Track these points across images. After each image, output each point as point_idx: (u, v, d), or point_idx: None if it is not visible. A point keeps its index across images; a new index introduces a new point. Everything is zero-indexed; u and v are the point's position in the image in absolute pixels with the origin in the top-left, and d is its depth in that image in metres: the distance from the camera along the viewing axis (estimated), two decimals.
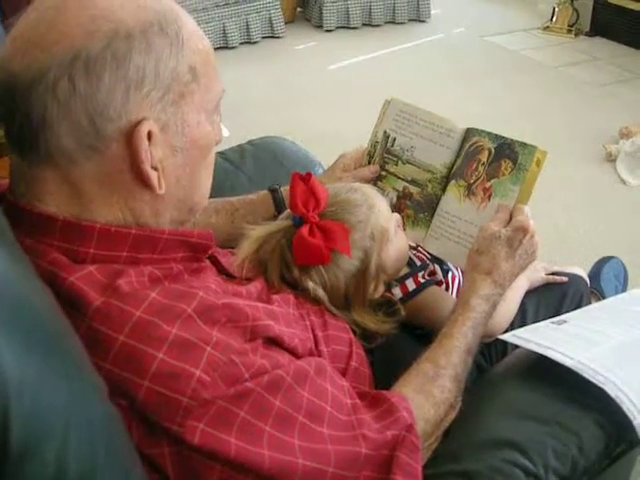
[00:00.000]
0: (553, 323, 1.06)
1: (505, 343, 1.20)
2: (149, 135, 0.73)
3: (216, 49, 4.71)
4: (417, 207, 1.25)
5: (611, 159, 2.99)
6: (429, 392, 0.93)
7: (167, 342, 0.69)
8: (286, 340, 0.81)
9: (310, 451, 0.75)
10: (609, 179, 2.89)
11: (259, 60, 4.39)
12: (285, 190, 1.23)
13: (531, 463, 0.84)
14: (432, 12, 5.10)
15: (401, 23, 5.02)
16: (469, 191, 1.18)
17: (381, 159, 1.30)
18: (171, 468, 0.70)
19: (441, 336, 1.01)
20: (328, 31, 4.87)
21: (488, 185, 1.15)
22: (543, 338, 0.98)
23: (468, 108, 3.42)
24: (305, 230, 1.01)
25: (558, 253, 2.33)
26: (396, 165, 1.28)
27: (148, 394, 0.68)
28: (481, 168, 1.17)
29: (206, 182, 0.87)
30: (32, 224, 0.75)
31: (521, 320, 1.26)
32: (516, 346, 1.02)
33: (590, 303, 1.37)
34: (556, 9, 4.78)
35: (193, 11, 4.57)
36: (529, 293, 1.30)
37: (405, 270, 1.20)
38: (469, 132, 1.22)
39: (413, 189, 1.26)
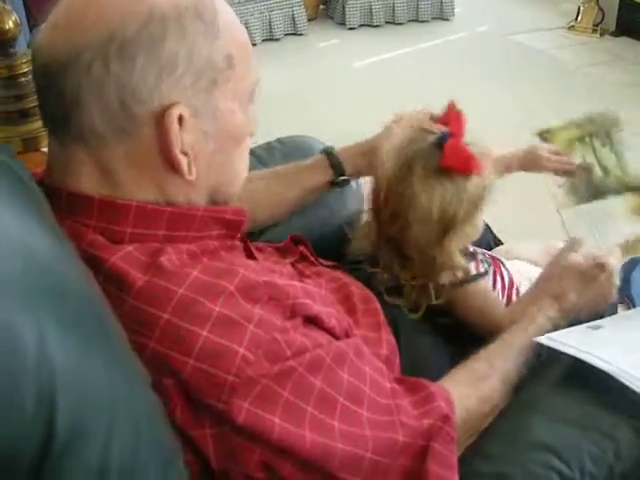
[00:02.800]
0: (589, 328, 1.05)
1: None
2: (180, 119, 0.74)
3: None
4: (587, 184, 1.28)
5: None
6: (478, 386, 0.95)
7: (211, 320, 0.70)
8: (325, 319, 0.80)
9: (350, 435, 0.75)
10: None
11: (281, 57, 4.38)
12: (340, 151, 1.23)
13: (567, 467, 0.83)
14: (456, 10, 5.07)
15: (425, 21, 4.99)
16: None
17: (597, 129, 1.31)
18: (212, 450, 0.70)
19: (501, 341, 1.02)
20: (351, 29, 4.85)
21: None
22: (579, 342, 0.97)
23: (491, 106, 3.40)
24: (460, 138, 1.06)
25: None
26: (603, 147, 1.29)
27: (193, 372, 0.68)
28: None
29: (240, 172, 0.87)
30: (70, 205, 0.76)
31: None
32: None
33: (615, 308, 1.35)
34: (581, 8, 4.73)
35: None
36: None
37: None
38: None
39: (598, 171, 1.29)
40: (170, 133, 0.73)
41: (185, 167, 0.76)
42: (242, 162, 0.87)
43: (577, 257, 1.09)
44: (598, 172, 1.29)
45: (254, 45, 4.64)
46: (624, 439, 0.86)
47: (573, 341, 0.98)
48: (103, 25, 0.71)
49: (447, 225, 1.09)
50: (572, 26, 4.78)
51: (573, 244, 1.14)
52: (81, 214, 0.76)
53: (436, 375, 0.97)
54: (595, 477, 0.84)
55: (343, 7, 4.88)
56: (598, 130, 1.31)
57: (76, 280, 0.62)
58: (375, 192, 1.17)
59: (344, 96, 3.78)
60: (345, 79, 4.06)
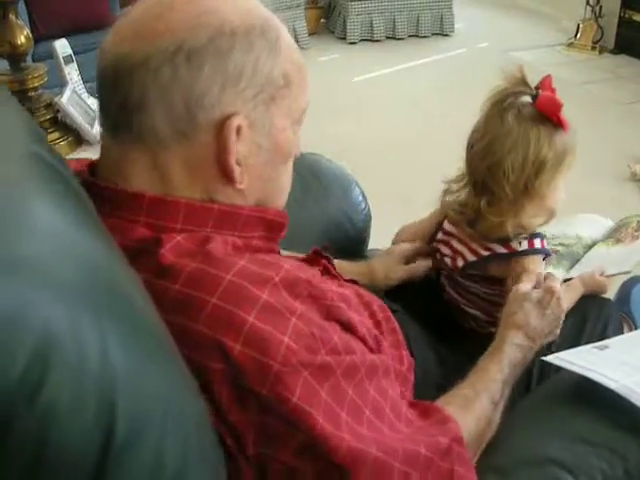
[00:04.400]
0: (595, 348, 1.07)
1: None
2: (238, 130, 0.76)
3: None
4: (559, 258, 1.44)
5: (636, 179, 2.98)
6: (469, 408, 0.96)
7: (257, 306, 0.71)
8: (358, 328, 0.81)
9: (380, 442, 0.75)
10: (633, 198, 2.88)
11: None
12: (338, 265, 1.18)
13: None
14: (456, 26, 5.11)
15: (425, 37, 5.03)
16: (617, 241, 1.45)
17: None
18: (252, 437, 0.71)
19: (477, 370, 1.04)
20: (352, 43, 4.89)
21: (636, 233, 1.45)
22: (586, 361, 0.98)
23: None
24: (554, 93, 1.19)
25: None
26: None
27: (241, 357, 0.69)
28: (630, 229, 1.46)
29: (285, 188, 0.89)
30: (117, 202, 0.78)
31: None
32: (558, 368, 1.03)
33: (620, 328, 1.36)
34: (580, 26, 4.78)
35: None
36: None
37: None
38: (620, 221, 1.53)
39: (560, 248, 1.48)
40: (228, 142, 0.76)
41: (237, 176, 0.79)
42: (288, 179, 0.89)
43: (526, 288, 1.16)
44: (560, 248, 1.46)
45: None
46: (633, 456, 0.88)
47: (581, 360, 0.99)
48: (173, 34, 0.74)
49: (538, 167, 1.18)
50: (571, 43, 4.82)
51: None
52: (129, 212, 0.77)
53: (435, 392, 0.99)
54: None
55: (344, 22, 4.92)
56: None
57: (129, 284, 0.63)
58: (467, 150, 1.27)
59: (345, 110, 3.80)
60: (346, 93, 4.08)
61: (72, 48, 2.26)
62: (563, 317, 1.17)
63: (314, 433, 0.70)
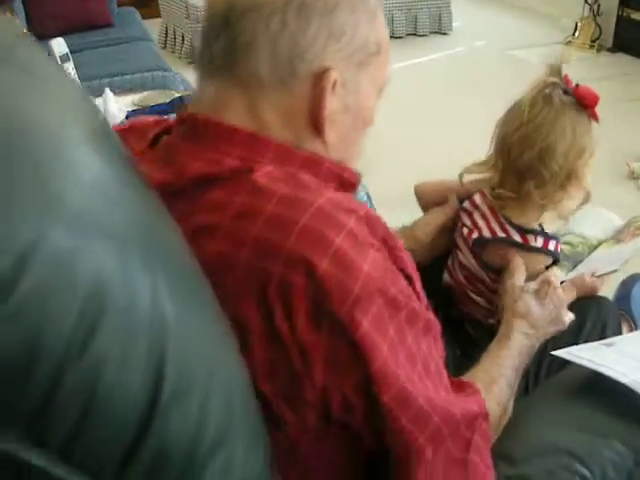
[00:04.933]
0: (603, 345, 1.10)
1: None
2: (333, 84, 0.79)
3: None
4: (563, 257, 1.43)
5: (634, 177, 2.98)
6: (490, 390, 0.98)
7: (344, 232, 0.73)
8: (416, 284, 0.83)
9: (426, 394, 0.78)
10: (631, 197, 2.88)
11: None
12: None
13: (589, 471, 0.86)
14: (454, 24, 5.11)
15: (423, 35, 5.04)
16: (618, 241, 1.48)
17: None
18: (321, 362, 0.72)
19: (488, 356, 1.07)
20: None
21: (637, 231, 1.48)
22: (596, 356, 1.01)
23: (490, 121, 3.41)
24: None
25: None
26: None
27: (325, 275, 0.70)
28: (632, 228, 1.50)
29: (358, 155, 0.92)
30: (212, 135, 0.81)
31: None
32: (557, 369, 1.04)
33: (619, 327, 1.37)
34: (578, 24, 4.78)
35: None
36: None
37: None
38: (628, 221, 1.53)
39: (565, 247, 1.48)
40: (323, 93, 0.79)
41: (327, 128, 0.82)
42: (361, 148, 0.92)
43: (519, 282, 1.22)
44: (565, 247, 1.47)
45: None
46: None
47: (590, 355, 1.02)
48: None
49: (580, 152, 1.24)
50: (569, 42, 4.82)
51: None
52: (223, 142, 0.80)
53: None
54: None
55: None
56: None
57: (175, 238, 0.63)
58: (501, 138, 1.30)
59: None
60: None
61: (69, 47, 2.25)
62: (565, 306, 1.21)
63: (375, 366, 0.73)
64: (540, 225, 1.30)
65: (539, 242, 1.28)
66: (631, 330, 1.60)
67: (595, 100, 1.25)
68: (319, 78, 0.79)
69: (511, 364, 1.06)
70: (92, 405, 0.46)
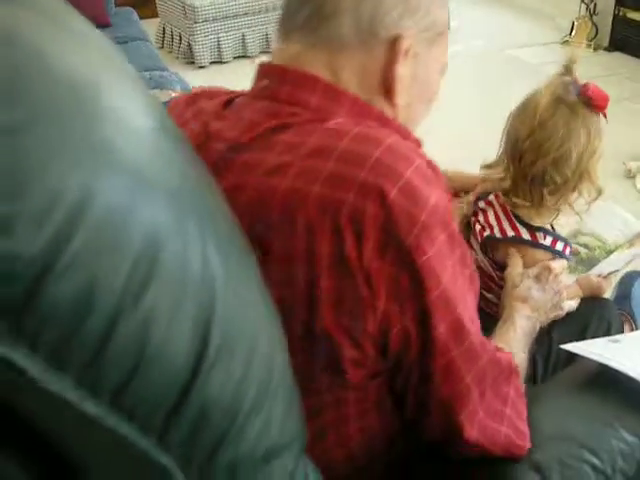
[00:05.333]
0: (609, 341, 1.13)
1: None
2: (406, 51, 0.86)
3: (235, 58, 4.76)
4: (579, 261, 1.46)
5: (631, 176, 2.99)
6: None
7: (413, 166, 0.77)
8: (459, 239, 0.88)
9: (476, 334, 0.84)
10: (629, 196, 2.89)
11: None
12: None
13: (599, 461, 0.88)
14: (451, 24, 5.09)
15: None
16: (631, 245, 1.48)
17: None
18: (385, 289, 0.76)
19: (494, 335, 1.10)
20: None
21: None
22: (604, 351, 1.03)
23: (485, 119, 3.42)
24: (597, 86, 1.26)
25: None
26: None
27: (394, 203, 0.74)
28: None
29: (416, 126, 0.97)
30: (293, 80, 0.86)
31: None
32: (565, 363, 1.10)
33: (622, 328, 1.38)
34: (575, 23, 4.79)
35: (213, 20, 4.61)
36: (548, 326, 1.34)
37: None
38: None
39: (582, 250, 1.49)
40: (397, 57, 0.86)
41: (397, 90, 0.88)
42: (422, 119, 0.98)
43: (519, 268, 1.26)
44: (582, 250, 1.48)
45: (251, 57, 4.68)
46: None
47: (598, 349, 1.04)
48: None
49: (591, 154, 1.25)
50: (566, 41, 4.83)
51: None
52: (304, 89, 0.86)
53: None
54: (625, 472, 0.89)
55: None
56: None
57: (219, 199, 0.64)
58: (513, 142, 1.31)
59: None
60: None
61: None
62: (564, 292, 1.25)
63: (434, 294, 0.78)
64: (552, 226, 1.32)
65: (547, 240, 1.30)
66: (632, 330, 1.61)
67: (606, 100, 1.26)
68: (394, 44, 0.85)
69: (517, 346, 1.09)
70: (142, 358, 0.47)
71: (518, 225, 1.31)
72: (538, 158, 1.25)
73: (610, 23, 4.69)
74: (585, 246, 1.49)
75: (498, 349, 0.92)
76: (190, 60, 4.74)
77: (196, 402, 0.51)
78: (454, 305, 0.79)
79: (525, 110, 1.29)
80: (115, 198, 0.46)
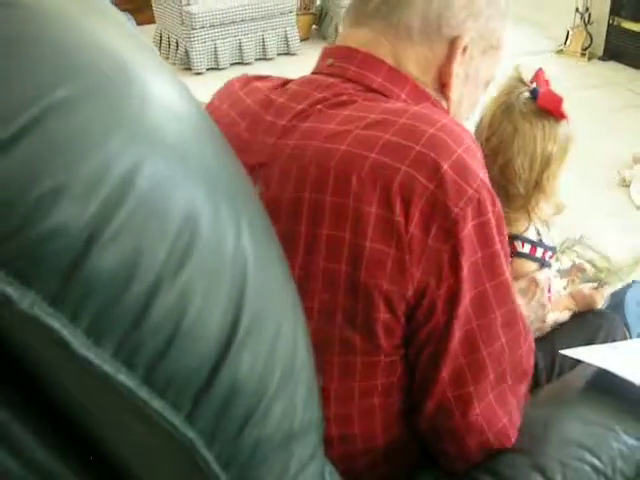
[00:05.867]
0: (609, 347, 1.16)
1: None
2: (464, 49, 0.92)
3: (232, 65, 4.77)
4: (584, 279, 1.46)
5: (625, 184, 3.01)
6: None
7: (463, 146, 0.81)
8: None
9: (506, 315, 0.86)
10: (623, 204, 2.91)
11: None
12: None
13: (600, 462, 0.89)
14: None
15: None
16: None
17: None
18: (425, 259, 0.79)
19: None
20: None
21: None
22: (602, 355, 1.06)
23: None
24: (550, 89, 1.26)
25: None
26: (577, 246, 1.49)
27: (447, 173, 0.78)
28: None
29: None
30: (361, 60, 0.91)
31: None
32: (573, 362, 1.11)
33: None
34: (570, 33, 4.82)
35: (210, 27, 4.62)
36: (554, 338, 1.35)
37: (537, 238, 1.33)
38: None
39: (588, 266, 1.50)
40: (455, 53, 0.91)
41: (449, 83, 0.93)
42: (462, 118, 1.01)
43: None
44: (588, 267, 1.49)
45: (248, 64, 4.70)
46: None
47: (597, 354, 1.07)
48: None
49: (546, 162, 1.24)
50: (561, 50, 4.86)
51: None
52: (370, 69, 0.91)
53: None
54: (625, 473, 0.90)
55: (336, 28, 4.94)
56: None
57: (249, 185, 0.65)
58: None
59: None
60: None
61: None
62: (549, 306, 1.25)
63: (464, 272, 0.80)
64: (538, 231, 1.31)
65: (526, 248, 1.29)
66: (626, 339, 1.61)
67: (558, 102, 1.24)
68: (454, 42, 0.91)
69: None
70: (178, 331, 0.48)
71: None
72: (490, 166, 1.23)
73: (605, 32, 4.73)
74: (590, 262, 1.50)
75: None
76: (187, 66, 4.75)
77: (226, 380, 0.52)
78: (483, 289, 0.82)
79: (480, 120, 1.31)
80: (160, 172, 0.48)
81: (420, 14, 0.90)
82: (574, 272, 1.46)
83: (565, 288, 1.41)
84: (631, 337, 1.64)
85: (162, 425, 0.50)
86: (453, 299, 0.81)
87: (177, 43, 4.86)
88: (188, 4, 4.59)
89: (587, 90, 4.22)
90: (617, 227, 2.73)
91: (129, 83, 0.51)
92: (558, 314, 1.33)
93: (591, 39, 4.75)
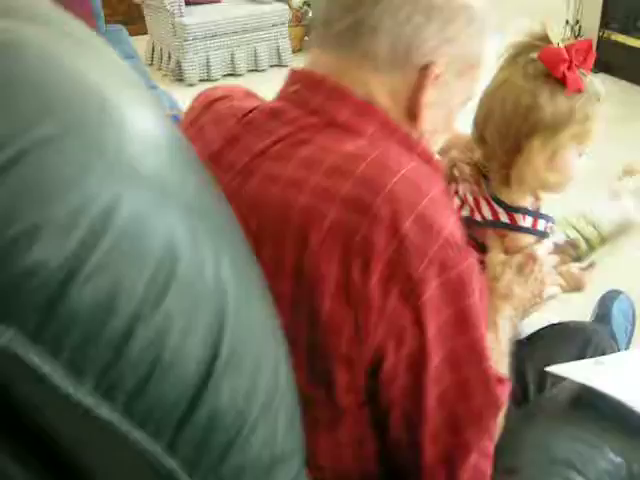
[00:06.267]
0: (595, 363, 1.15)
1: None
2: (435, 77, 0.86)
3: (224, 76, 4.78)
4: (575, 259, 1.33)
5: (616, 197, 3.02)
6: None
7: (428, 196, 0.78)
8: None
9: (477, 362, 0.83)
10: (614, 216, 2.91)
11: (266, 89, 4.42)
12: None
13: None
14: None
15: None
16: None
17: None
18: (385, 321, 0.76)
19: None
20: None
21: None
22: (588, 372, 1.06)
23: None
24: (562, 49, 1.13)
25: (560, 295, 2.34)
26: (579, 220, 1.37)
27: (408, 232, 0.75)
28: None
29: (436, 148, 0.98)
30: (326, 91, 0.87)
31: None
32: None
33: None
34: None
35: (203, 39, 4.63)
36: (543, 352, 1.33)
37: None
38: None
39: (582, 244, 1.35)
40: (426, 82, 0.86)
41: (421, 115, 0.88)
42: (438, 145, 0.99)
43: (501, 254, 1.15)
44: (583, 245, 1.36)
45: (240, 76, 4.72)
46: (634, 458, 0.94)
47: (582, 371, 1.06)
48: None
49: (532, 126, 1.11)
50: None
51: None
52: (335, 101, 0.86)
53: None
54: None
55: None
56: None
57: (230, 214, 0.65)
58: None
59: None
60: None
61: None
62: (548, 281, 1.16)
63: (429, 335, 0.77)
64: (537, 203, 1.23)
65: (528, 222, 1.21)
66: (614, 351, 1.61)
67: (561, 60, 1.09)
68: (425, 68, 0.86)
69: (502, 356, 1.04)
70: (158, 363, 0.48)
71: (496, 206, 1.21)
72: (478, 116, 1.18)
73: (595, 45, 4.74)
74: (588, 242, 1.37)
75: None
76: (179, 78, 4.76)
77: (206, 410, 0.52)
78: (455, 337, 0.79)
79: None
80: (139, 208, 0.48)
81: (388, 42, 0.84)
82: (567, 248, 1.33)
83: (554, 267, 1.32)
84: (619, 349, 1.65)
85: (143, 455, 0.50)
86: (420, 360, 0.78)
87: (169, 54, 4.87)
88: (181, 15, 4.60)
89: None
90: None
91: (107, 119, 0.51)
92: (554, 288, 1.23)
93: None
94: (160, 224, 0.49)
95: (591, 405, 1.01)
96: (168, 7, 4.64)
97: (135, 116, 0.55)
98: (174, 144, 0.59)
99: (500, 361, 0.99)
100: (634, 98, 4.29)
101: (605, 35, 4.65)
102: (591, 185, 3.00)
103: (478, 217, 1.22)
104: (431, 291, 0.76)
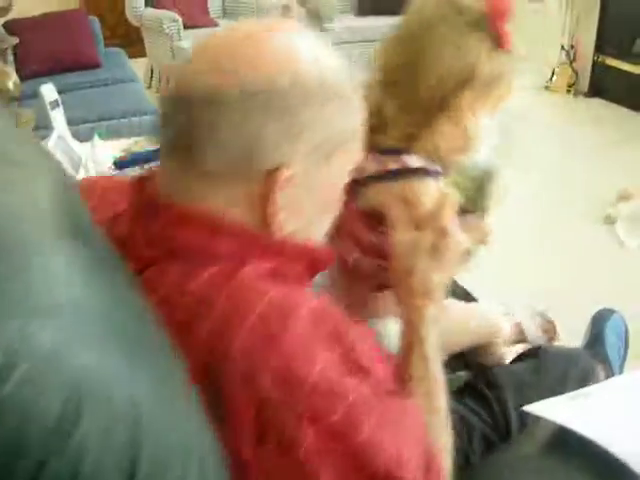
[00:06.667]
0: (579, 396, 1.12)
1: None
2: (288, 179, 0.75)
3: None
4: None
5: (610, 221, 3.04)
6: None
7: (287, 333, 0.70)
8: (375, 370, 0.78)
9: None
10: (608, 242, 2.94)
11: None
12: None
13: None
14: None
15: None
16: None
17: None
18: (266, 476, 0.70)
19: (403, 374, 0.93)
20: None
21: None
22: (570, 409, 1.04)
23: None
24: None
25: (555, 316, 2.35)
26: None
27: (270, 392, 0.68)
28: None
29: (321, 235, 0.87)
30: (167, 218, 0.77)
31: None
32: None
33: (596, 378, 1.38)
34: (555, 69, 4.89)
35: None
36: (527, 376, 1.30)
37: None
38: None
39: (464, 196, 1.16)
40: (273, 189, 0.75)
41: (276, 224, 0.78)
42: (324, 228, 0.87)
43: (408, 234, 0.97)
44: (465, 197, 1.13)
45: None
46: None
47: (563, 408, 1.05)
48: (250, 78, 0.73)
49: (466, 80, 1.04)
50: (547, 87, 4.93)
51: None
52: (178, 228, 0.77)
53: None
54: None
55: None
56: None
57: (155, 331, 0.65)
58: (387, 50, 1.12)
59: None
60: None
61: (57, 87, 2.28)
62: (464, 246, 0.97)
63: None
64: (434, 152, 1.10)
65: (418, 161, 1.09)
66: (608, 375, 1.59)
67: (505, 12, 1.02)
68: (271, 173, 0.74)
69: (434, 375, 0.92)
70: None
71: (382, 157, 1.08)
72: (393, 58, 1.09)
73: (589, 69, 4.80)
74: (465, 191, 1.18)
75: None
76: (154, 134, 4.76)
77: None
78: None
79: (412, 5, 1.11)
80: (44, 344, 0.49)
81: (216, 153, 0.74)
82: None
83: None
84: (612, 371, 1.63)
85: None
86: None
87: (168, 78, 4.90)
88: (179, 39, 4.64)
89: (572, 126, 4.28)
90: (599, 264, 2.75)
91: (12, 258, 0.52)
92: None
93: (576, 76, 4.83)
94: (68, 357, 0.50)
95: (564, 445, 1.00)
96: (167, 31, 4.68)
97: (43, 251, 0.56)
98: (89, 269, 0.59)
99: (434, 393, 0.90)
100: (628, 123, 4.33)
101: (600, 60, 4.70)
102: (586, 209, 3.01)
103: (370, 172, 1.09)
104: (309, 440, 0.69)
